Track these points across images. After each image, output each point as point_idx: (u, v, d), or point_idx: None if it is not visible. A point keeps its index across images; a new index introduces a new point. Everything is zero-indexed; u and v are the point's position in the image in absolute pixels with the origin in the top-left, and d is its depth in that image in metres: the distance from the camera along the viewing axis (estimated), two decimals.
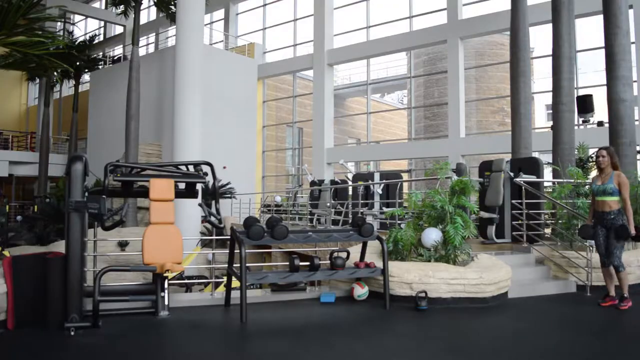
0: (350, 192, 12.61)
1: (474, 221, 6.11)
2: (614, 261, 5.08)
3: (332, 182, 13.25)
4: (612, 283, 5.27)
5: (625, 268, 5.10)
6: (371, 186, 11.06)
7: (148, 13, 26.70)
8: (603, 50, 9.27)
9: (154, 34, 24.51)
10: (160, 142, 18.33)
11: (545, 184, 8.72)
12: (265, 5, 22.37)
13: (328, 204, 11.30)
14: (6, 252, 4.89)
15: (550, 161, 9.40)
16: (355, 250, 5.90)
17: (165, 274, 4.63)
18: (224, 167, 15.13)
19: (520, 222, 7.11)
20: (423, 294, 4.96)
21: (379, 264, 5.26)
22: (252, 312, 4.62)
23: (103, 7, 28.98)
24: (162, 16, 21.41)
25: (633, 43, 10.76)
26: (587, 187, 7.34)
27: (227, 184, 15.97)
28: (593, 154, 10.11)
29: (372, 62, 19.65)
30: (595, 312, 5.19)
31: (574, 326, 4.55)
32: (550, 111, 11.07)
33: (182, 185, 5.30)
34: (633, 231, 4.99)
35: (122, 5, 18.01)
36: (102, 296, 4.33)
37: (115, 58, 24.79)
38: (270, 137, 22.63)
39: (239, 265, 4.55)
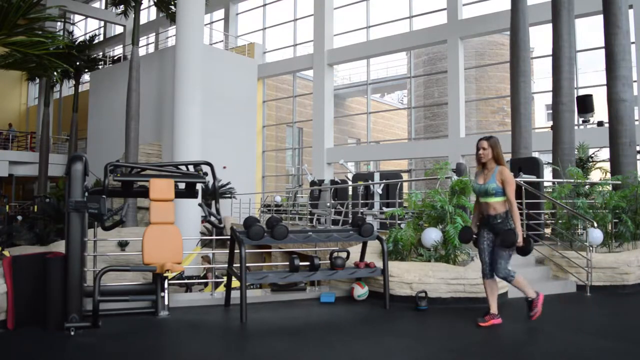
0: (350, 192, 12.61)
1: None
2: (499, 273, 4.26)
3: (332, 182, 13.25)
4: (493, 298, 4.39)
5: (515, 275, 4.28)
6: (371, 186, 11.05)
7: (148, 13, 26.70)
8: (603, 50, 9.27)
9: (154, 34, 24.49)
10: (160, 142, 18.33)
11: (545, 184, 8.72)
12: (265, 5, 22.36)
13: (328, 204, 11.30)
14: (6, 252, 4.89)
15: (550, 161, 9.40)
16: (355, 250, 5.90)
17: (165, 274, 4.63)
18: (224, 167, 15.13)
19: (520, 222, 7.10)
20: (423, 294, 4.96)
21: (379, 264, 5.26)
22: (252, 312, 4.62)
23: (103, 7, 28.97)
24: (162, 16, 21.41)
25: (633, 43, 10.76)
26: (587, 187, 7.35)
27: (227, 184, 15.97)
28: (593, 154, 10.13)
29: (372, 62, 19.65)
30: (595, 312, 5.20)
31: (573, 326, 4.55)
32: (550, 111, 11.06)
33: (182, 185, 5.30)
34: (520, 240, 4.13)
35: (122, 5, 18.00)
36: (102, 296, 4.33)
37: (115, 58, 24.78)
38: (270, 137, 22.63)
39: (239, 265, 4.55)
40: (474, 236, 4.49)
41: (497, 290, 4.49)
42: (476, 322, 4.29)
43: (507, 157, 9.02)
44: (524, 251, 4.30)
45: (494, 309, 4.36)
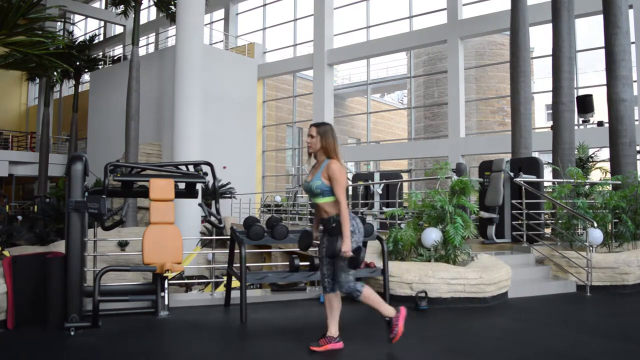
0: (350, 192, 12.61)
1: (474, 221, 6.11)
2: (341, 287, 3.51)
3: None
4: (332, 317, 3.64)
5: (362, 290, 3.52)
6: (371, 186, 11.06)
7: (148, 13, 26.70)
8: (603, 50, 9.27)
9: (154, 34, 24.50)
10: (160, 142, 18.33)
11: (545, 184, 8.72)
12: (265, 5, 22.37)
13: None
14: (6, 252, 4.89)
15: (550, 161, 9.41)
16: None
17: (165, 274, 4.63)
18: (224, 167, 15.13)
19: (520, 222, 7.11)
20: (423, 294, 4.96)
21: (379, 264, 5.26)
22: (252, 312, 4.62)
23: (103, 7, 28.98)
24: (162, 16, 21.41)
25: (633, 43, 10.76)
26: (587, 187, 7.35)
27: (227, 184, 15.97)
28: (593, 154, 10.14)
29: (372, 62, 19.65)
30: (595, 312, 5.20)
31: (573, 326, 4.55)
32: (550, 111, 11.07)
33: (182, 185, 5.30)
34: (346, 249, 3.35)
35: (122, 5, 18.01)
36: (102, 296, 4.33)
37: (115, 58, 24.79)
38: (270, 137, 22.63)
39: (239, 265, 4.55)
40: (316, 242, 3.76)
41: (339, 307, 3.65)
42: (308, 346, 3.58)
43: (507, 157, 9.04)
44: (353, 263, 3.47)
45: (332, 330, 3.61)
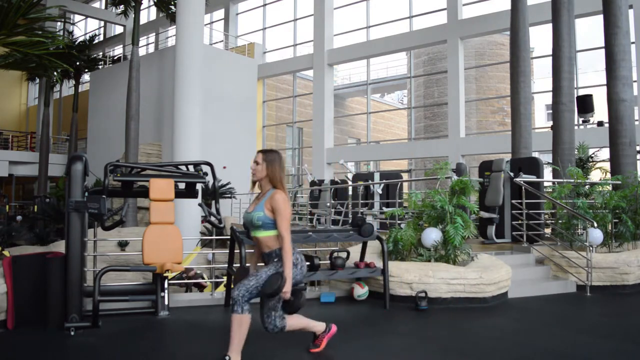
0: (350, 192, 12.62)
1: (474, 221, 6.11)
2: (267, 325, 3.25)
3: (332, 182, 13.25)
4: (306, 323, 3.49)
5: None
6: (371, 186, 11.06)
7: (148, 13, 26.71)
8: (603, 50, 9.28)
9: (154, 34, 24.49)
10: (160, 142, 18.33)
11: (545, 184, 8.73)
12: (265, 5, 22.37)
13: (328, 204, 11.30)
14: (6, 252, 4.89)
15: (550, 161, 9.41)
16: (355, 250, 5.90)
17: (165, 274, 4.63)
18: (224, 167, 15.11)
19: (520, 222, 7.11)
20: (423, 294, 4.96)
21: (379, 264, 5.26)
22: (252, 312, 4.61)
23: (103, 7, 28.98)
24: (162, 16, 21.41)
25: (633, 43, 10.77)
26: (587, 187, 7.35)
27: (227, 184, 15.97)
28: (593, 154, 10.14)
29: (372, 62, 19.65)
30: (596, 312, 5.20)
31: (573, 326, 4.55)
32: (550, 111, 11.07)
33: (182, 185, 5.30)
34: (285, 290, 3.07)
35: (122, 5, 18.00)
36: (102, 296, 4.33)
37: (115, 58, 24.79)
38: (270, 137, 22.63)
39: (239, 265, 4.55)
40: None
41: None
42: (308, 349, 3.53)
43: (507, 157, 9.05)
44: (291, 307, 3.24)
45: (318, 329, 3.56)
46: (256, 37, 22.52)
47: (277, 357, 3.57)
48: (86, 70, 23.71)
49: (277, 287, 3.04)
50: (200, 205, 5.29)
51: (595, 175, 9.49)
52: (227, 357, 3.11)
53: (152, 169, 5.22)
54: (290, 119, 22.08)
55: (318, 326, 3.53)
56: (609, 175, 8.51)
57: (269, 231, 3.19)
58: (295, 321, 3.37)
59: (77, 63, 22.35)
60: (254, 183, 3.34)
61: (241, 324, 3.11)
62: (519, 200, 7.11)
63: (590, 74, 16.82)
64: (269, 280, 3.10)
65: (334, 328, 3.61)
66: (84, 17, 30.25)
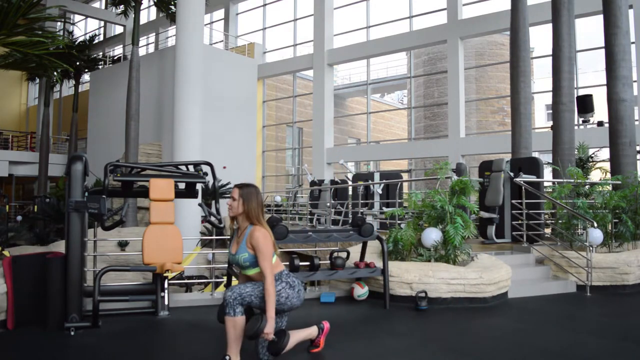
0: (350, 192, 12.61)
1: (474, 221, 6.11)
2: (262, 357, 3.23)
3: (332, 182, 13.25)
4: (295, 334, 3.37)
5: (238, 314, 3.08)
6: (371, 186, 11.06)
7: (148, 13, 26.71)
8: (603, 50, 9.28)
9: (154, 34, 24.49)
10: (160, 142, 18.33)
11: (545, 184, 8.73)
12: (265, 5, 22.37)
13: (328, 204, 11.30)
14: (6, 252, 4.89)
15: (550, 161, 9.41)
16: (355, 250, 5.90)
17: (165, 274, 4.63)
18: (224, 167, 15.10)
19: (520, 222, 7.11)
20: (423, 294, 4.96)
21: (379, 264, 5.26)
22: None
23: (103, 7, 28.99)
24: (162, 16, 21.41)
25: (633, 43, 10.78)
26: (587, 187, 7.35)
27: (227, 184, 15.96)
28: (593, 154, 10.15)
29: (372, 62, 19.65)
30: (595, 312, 5.19)
31: (573, 326, 4.55)
32: (550, 111, 11.07)
33: (182, 185, 5.30)
34: (267, 332, 2.99)
35: (122, 5, 18.00)
36: (102, 296, 4.33)
37: (115, 58, 24.79)
38: (270, 137, 22.63)
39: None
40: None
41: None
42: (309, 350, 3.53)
43: (507, 157, 9.05)
44: (275, 347, 3.15)
45: (313, 334, 3.52)
46: (256, 37, 22.53)
47: (277, 357, 3.57)
48: (86, 70, 23.72)
49: (257, 329, 2.97)
50: (200, 205, 5.29)
51: (595, 175, 9.49)
52: (227, 357, 3.10)
53: (152, 169, 5.22)
54: (290, 119, 22.09)
55: (312, 332, 3.50)
56: (609, 175, 8.51)
57: (257, 268, 3.15)
58: (293, 336, 3.31)
59: (77, 63, 22.35)
60: (232, 219, 3.28)
61: (235, 325, 3.07)
62: (519, 200, 7.11)
63: (590, 74, 16.82)
64: (250, 322, 3.04)
65: (326, 325, 3.58)
66: (84, 17, 30.26)
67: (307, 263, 5.13)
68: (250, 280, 3.22)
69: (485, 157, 13.40)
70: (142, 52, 21.03)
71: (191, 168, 5.25)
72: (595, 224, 6.24)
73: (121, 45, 25.71)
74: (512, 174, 7.66)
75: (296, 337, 3.33)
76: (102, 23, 29.68)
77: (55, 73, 17.32)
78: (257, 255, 3.09)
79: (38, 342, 3.90)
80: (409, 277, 5.17)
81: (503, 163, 7.76)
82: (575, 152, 9.48)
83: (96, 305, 4.16)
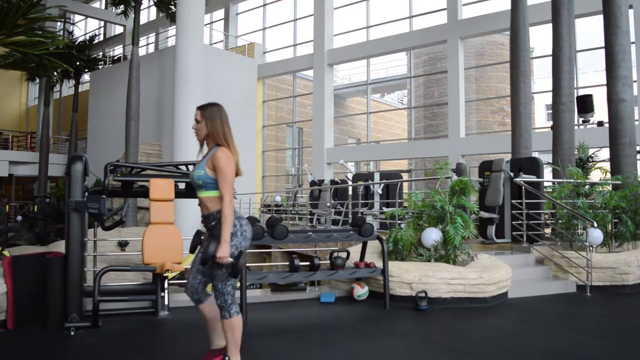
0: (350, 192, 12.61)
1: (474, 221, 6.11)
2: (217, 297, 2.96)
3: (332, 182, 13.25)
4: (214, 330, 3.20)
5: (234, 316, 2.95)
6: (371, 186, 11.05)
7: (148, 13, 26.71)
8: (603, 50, 9.27)
9: (154, 34, 24.49)
10: (160, 142, 18.33)
11: (545, 184, 8.73)
12: (265, 5, 22.37)
13: (328, 204, 11.30)
14: (6, 252, 4.89)
15: (550, 161, 9.40)
16: (355, 250, 5.90)
17: (165, 274, 4.63)
18: None
19: (520, 222, 7.11)
20: (423, 294, 4.96)
21: (379, 264, 5.26)
22: (252, 312, 4.62)
23: (103, 7, 28.98)
24: (162, 16, 21.41)
25: (633, 43, 10.77)
26: (587, 187, 7.35)
27: None
28: (593, 154, 10.14)
29: (372, 62, 19.65)
30: (595, 312, 5.19)
31: (573, 326, 4.55)
32: (550, 111, 11.07)
33: (182, 185, 5.30)
34: (221, 255, 2.77)
35: (122, 5, 18.00)
36: (102, 296, 4.33)
37: (115, 58, 24.79)
38: (270, 137, 22.63)
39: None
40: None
41: (216, 322, 3.10)
42: None
43: (507, 157, 9.05)
44: (233, 270, 2.85)
45: (215, 342, 3.18)
46: (256, 37, 22.53)
47: (278, 357, 3.57)
48: (86, 70, 23.72)
49: (211, 253, 2.78)
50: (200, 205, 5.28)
51: (595, 175, 9.49)
52: (226, 358, 3.03)
53: (152, 169, 5.22)
54: (290, 119, 22.08)
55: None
56: (609, 175, 8.51)
57: (210, 192, 2.93)
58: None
59: (77, 63, 22.35)
60: (201, 144, 3.08)
61: (232, 327, 2.94)
62: (519, 200, 7.11)
63: (590, 74, 16.83)
64: (207, 247, 2.84)
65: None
66: (84, 17, 30.25)
67: (307, 263, 5.13)
68: (200, 204, 2.99)
69: (485, 157, 13.39)
70: (142, 52, 21.02)
71: (191, 168, 5.25)
72: (595, 224, 6.25)
73: (121, 45, 25.70)
74: (512, 174, 7.66)
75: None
76: (102, 23, 29.67)
77: (55, 73, 17.32)
78: (217, 175, 2.88)
79: (38, 342, 3.90)
80: (409, 277, 5.17)
81: (503, 163, 7.76)
82: (575, 152, 9.47)
83: (96, 305, 4.16)
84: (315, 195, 13.28)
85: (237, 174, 3.03)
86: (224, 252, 2.78)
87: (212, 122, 3.02)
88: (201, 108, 3.09)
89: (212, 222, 2.95)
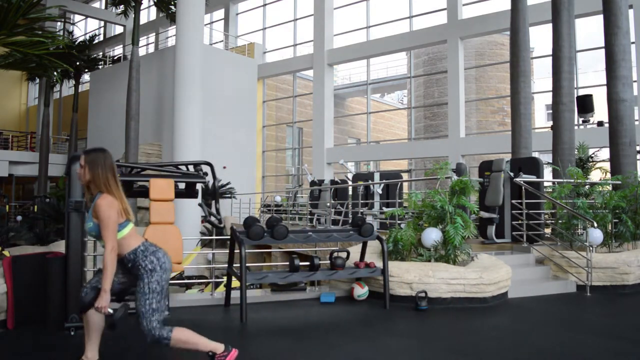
0: (350, 192, 12.61)
1: (474, 221, 6.11)
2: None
3: (332, 182, 13.25)
4: (91, 339, 3.17)
5: (171, 336, 2.92)
6: (371, 186, 11.05)
7: (148, 13, 26.71)
8: (603, 50, 9.27)
9: (154, 34, 24.51)
10: (160, 142, 18.34)
11: (545, 184, 8.73)
12: (265, 5, 22.37)
13: (328, 204, 11.30)
14: (6, 252, 4.89)
15: (550, 161, 9.41)
16: (355, 250, 5.90)
17: None
18: (224, 167, 15.14)
19: (520, 222, 7.11)
20: (423, 294, 4.96)
21: (379, 264, 5.26)
22: (252, 312, 4.62)
23: (103, 7, 28.99)
24: (162, 16, 21.42)
25: (633, 43, 10.77)
26: (587, 187, 7.35)
27: (227, 184, 15.97)
28: (593, 154, 10.15)
29: (372, 62, 19.65)
30: (595, 312, 5.20)
31: (573, 326, 4.55)
32: (550, 111, 11.07)
33: (182, 185, 5.30)
34: (99, 305, 2.78)
35: (122, 5, 18.02)
36: None
37: (115, 58, 24.80)
38: (270, 137, 22.64)
39: (239, 265, 4.55)
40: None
41: (95, 328, 3.12)
42: None
43: (507, 157, 9.05)
44: (108, 324, 2.88)
45: (87, 355, 3.17)
46: (256, 37, 22.54)
47: (278, 357, 3.57)
48: (86, 70, 23.73)
49: (84, 302, 2.85)
50: (200, 205, 5.29)
51: (595, 175, 9.50)
52: (209, 353, 3.01)
53: (152, 169, 5.22)
54: (290, 119, 22.09)
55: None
56: (609, 175, 8.51)
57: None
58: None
59: (77, 63, 22.36)
60: (86, 189, 2.99)
61: (183, 343, 2.93)
62: (519, 200, 7.11)
63: (590, 74, 16.83)
64: (82, 303, 2.90)
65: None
66: (84, 17, 30.25)
67: (307, 263, 5.13)
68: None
69: (485, 157, 13.40)
70: (142, 52, 21.04)
71: (191, 168, 5.25)
72: (595, 224, 6.25)
73: (121, 45, 25.71)
74: (512, 174, 7.66)
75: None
76: (102, 23, 29.67)
77: (55, 73, 17.34)
78: (100, 223, 2.83)
79: (38, 342, 3.90)
80: (409, 277, 5.17)
81: (503, 163, 7.76)
82: (575, 152, 9.48)
83: None
84: (315, 195, 13.29)
85: (128, 218, 3.00)
86: (103, 302, 2.77)
87: (93, 169, 2.91)
88: (85, 153, 2.98)
89: (128, 265, 2.96)
